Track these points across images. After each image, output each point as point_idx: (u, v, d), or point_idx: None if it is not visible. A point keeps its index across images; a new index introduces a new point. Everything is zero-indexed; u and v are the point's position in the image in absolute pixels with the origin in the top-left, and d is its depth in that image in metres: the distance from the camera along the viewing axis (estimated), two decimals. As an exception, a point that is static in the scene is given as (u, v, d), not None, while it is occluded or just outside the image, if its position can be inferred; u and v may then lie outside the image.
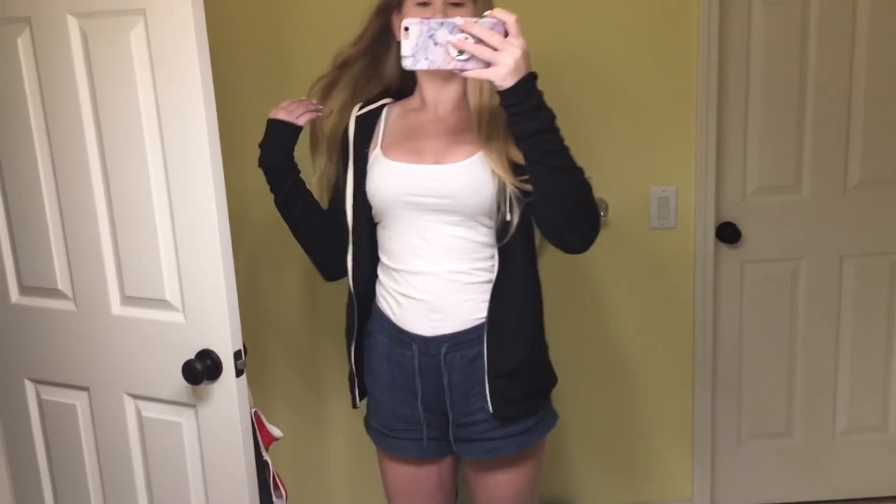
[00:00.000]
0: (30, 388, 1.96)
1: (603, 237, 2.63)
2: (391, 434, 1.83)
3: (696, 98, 2.56)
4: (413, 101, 1.81)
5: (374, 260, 1.81)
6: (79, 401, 1.88)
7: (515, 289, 1.71)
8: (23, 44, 1.74)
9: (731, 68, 2.59)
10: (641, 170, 2.60)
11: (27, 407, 1.97)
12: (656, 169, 2.60)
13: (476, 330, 1.72)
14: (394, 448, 1.85)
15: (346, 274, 1.83)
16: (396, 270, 1.75)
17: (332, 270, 1.91)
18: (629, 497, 2.79)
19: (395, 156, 1.73)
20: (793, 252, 2.75)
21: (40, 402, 1.95)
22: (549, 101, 1.48)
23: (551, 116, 1.49)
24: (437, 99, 1.76)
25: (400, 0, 1.72)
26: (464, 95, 1.73)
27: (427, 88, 1.76)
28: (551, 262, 2.59)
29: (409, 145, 1.73)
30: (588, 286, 2.64)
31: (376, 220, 1.78)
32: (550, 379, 1.87)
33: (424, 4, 1.66)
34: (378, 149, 1.76)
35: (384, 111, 1.81)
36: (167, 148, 1.61)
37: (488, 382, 1.70)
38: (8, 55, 1.76)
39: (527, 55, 1.43)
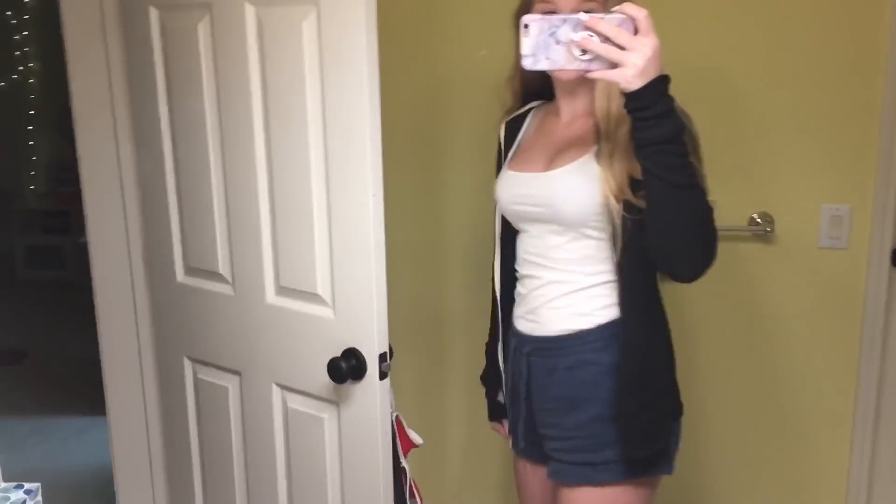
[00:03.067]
0: (188, 366, 1.93)
1: (766, 253, 2.40)
2: (512, 433, 1.72)
3: (881, 111, 2.24)
4: (554, 105, 1.64)
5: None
6: (231, 384, 1.82)
7: (640, 300, 1.51)
8: (203, 30, 1.69)
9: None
10: (813, 184, 2.30)
11: (184, 384, 1.94)
12: (830, 185, 2.30)
13: (559, 340, 1.55)
14: (514, 445, 1.73)
15: None
16: (517, 272, 1.64)
17: None
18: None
19: (514, 164, 1.61)
20: (976, 282, 2.39)
21: (196, 380, 1.91)
22: (715, 108, 1.25)
23: (679, 126, 1.27)
24: (567, 107, 1.58)
25: (530, 2, 1.51)
26: (592, 103, 1.53)
27: (559, 95, 1.60)
28: (707, 276, 2.37)
29: (532, 153, 1.60)
30: (746, 305, 2.39)
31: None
32: (662, 421, 1.56)
33: (551, 13, 1.40)
34: (510, 155, 1.65)
35: (529, 115, 1.67)
36: (329, 143, 1.51)
37: (611, 398, 1.51)
38: (189, 41, 1.71)
39: (658, 55, 1.22)
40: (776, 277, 2.37)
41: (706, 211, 1.34)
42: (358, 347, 1.52)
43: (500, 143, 1.70)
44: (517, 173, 1.59)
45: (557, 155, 1.53)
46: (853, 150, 2.28)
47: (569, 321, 1.54)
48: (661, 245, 1.37)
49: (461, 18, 2.30)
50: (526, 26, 1.24)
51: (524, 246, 1.61)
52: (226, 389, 1.83)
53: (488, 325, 1.80)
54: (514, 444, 1.73)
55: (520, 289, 1.63)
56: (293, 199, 1.59)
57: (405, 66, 2.31)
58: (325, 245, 1.56)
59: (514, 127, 1.68)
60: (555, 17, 1.24)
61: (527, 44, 1.25)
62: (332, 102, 1.49)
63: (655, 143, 1.27)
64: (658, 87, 1.24)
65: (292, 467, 1.72)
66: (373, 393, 1.52)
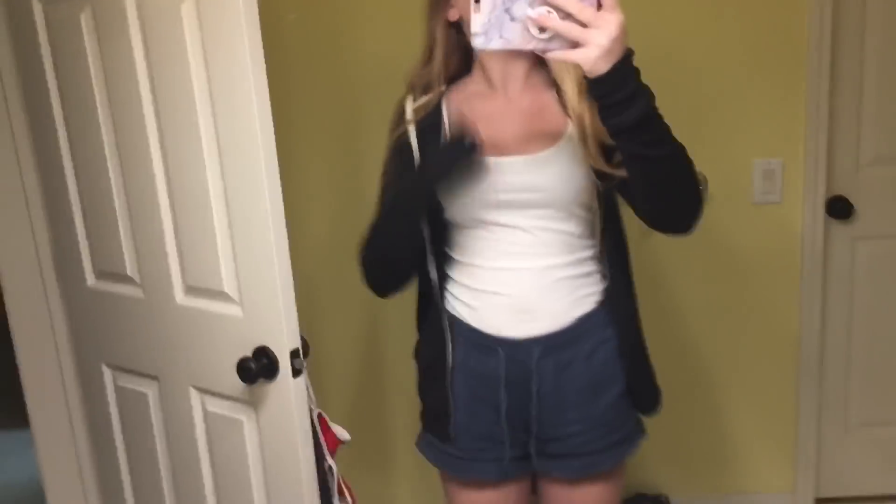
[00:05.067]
0: (107, 373, 1.80)
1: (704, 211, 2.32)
2: (468, 457, 1.50)
3: (807, 63, 2.18)
4: (474, 84, 1.45)
5: (441, 264, 1.50)
6: (150, 389, 1.70)
7: (625, 270, 1.48)
8: (86, 21, 1.56)
9: (845, 28, 2.19)
10: (744, 140, 2.24)
11: (105, 392, 1.82)
12: (760, 139, 2.25)
13: (573, 330, 1.42)
14: (472, 472, 1.51)
15: (401, 288, 1.51)
16: (478, 266, 1.44)
17: (394, 284, 1.52)
18: (728, 487, 2.47)
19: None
20: (911, 227, 2.35)
21: (116, 388, 1.79)
22: (644, 69, 1.15)
23: (651, 99, 1.16)
24: (506, 79, 1.41)
25: None
26: (533, 68, 1.41)
27: (492, 68, 1.41)
28: (645, 239, 2.29)
29: (486, 137, 1.37)
30: (686, 265, 2.32)
31: (450, 221, 1.45)
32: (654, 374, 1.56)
33: None
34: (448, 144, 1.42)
35: (443, 101, 1.45)
36: (221, 134, 1.39)
37: (629, 371, 1.47)
38: (73, 33, 1.58)
39: (624, 33, 1.08)
40: (713, 237, 2.30)
41: (691, 165, 1.28)
42: (268, 345, 1.41)
43: (407, 139, 1.45)
44: (489, 159, 1.38)
45: (532, 135, 1.38)
46: (781, 104, 2.22)
47: (576, 307, 1.43)
48: (658, 209, 1.32)
49: (369, 5, 2.17)
50: (477, 1, 1.08)
51: (498, 238, 1.41)
52: (145, 395, 1.71)
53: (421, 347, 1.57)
54: (480, 473, 1.51)
55: (494, 288, 1.43)
56: (191, 194, 1.47)
57: (314, 57, 2.18)
58: (227, 240, 1.44)
59: (428, 116, 1.44)
60: None
61: (478, 21, 1.08)
62: (219, 92, 1.37)
63: (633, 127, 1.15)
64: (625, 67, 1.11)
65: (217, 471, 1.61)
66: (287, 392, 1.41)
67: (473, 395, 1.47)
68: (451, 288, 1.49)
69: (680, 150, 1.25)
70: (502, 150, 1.38)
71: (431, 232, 1.46)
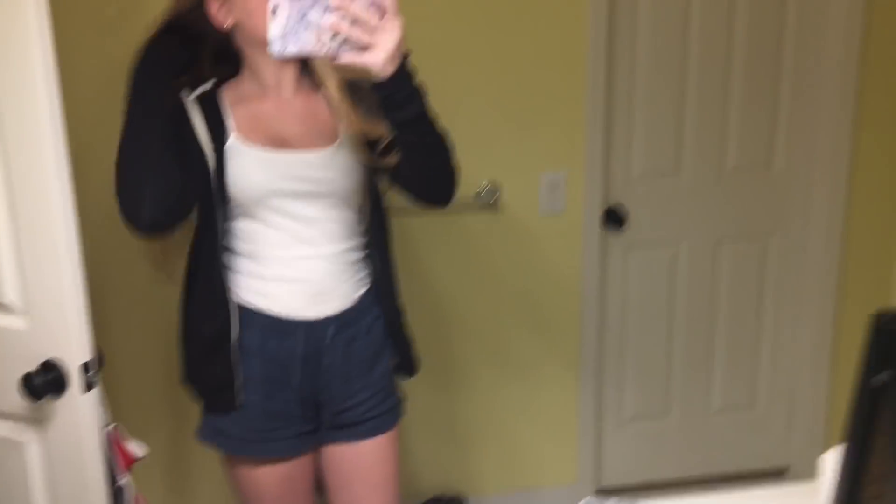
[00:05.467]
0: None
1: (493, 222, 2.44)
2: (261, 437, 1.55)
3: (586, 83, 2.35)
4: (246, 86, 1.51)
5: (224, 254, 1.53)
6: None
7: (389, 253, 1.65)
8: None
9: (619, 55, 2.41)
10: (532, 154, 2.38)
11: None
12: (547, 153, 2.39)
13: (354, 310, 1.57)
14: (266, 452, 1.56)
15: (171, 210, 1.42)
16: (269, 255, 1.51)
17: (155, 211, 1.39)
18: (514, 483, 2.59)
19: (259, 145, 1.46)
20: (673, 236, 2.61)
21: None
22: (436, 87, 1.33)
23: (424, 95, 1.34)
24: (279, 82, 1.49)
25: None
26: (301, 72, 1.51)
27: (265, 71, 1.48)
28: (440, 244, 2.36)
29: (267, 133, 1.47)
30: (476, 270, 2.42)
31: (235, 211, 1.50)
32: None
33: None
34: (233, 137, 1.46)
35: (219, 95, 1.50)
36: (3, 126, 1.27)
37: (394, 342, 1.66)
38: None
39: (403, 37, 1.24)
40: (503, 245, 2.42)
41: (452, 146, 1.46)
42: (57, 358, 1.31)
43: (190, 124, 1.46)
44: (276, 153, 1.46)
45: (310, 133, 1.49)
46: (565, 120, 2.38)
47: (357, 287, 1.58)
48: (425, 187, 1.50)
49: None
50: (274, 10, 1.17)
51: (289, 227, 1.49)
52: None
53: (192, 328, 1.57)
54: (274, 452, 1.56)
55: (289, 274, 1.51)
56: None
57: (96, 36, 2.04)
58: (8, 245, 1.32)
59: (208, 106, 1.48)
60: None
61: (275, 28, 1.17)
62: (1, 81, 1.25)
63: (412, 120, 1.33)
64: (405, 71, 1.26)
65: (-7, 501, 1.47)
66: (78, 408, 1.31)
67: (268, 377, 1.54)
68: (238, 277, 1.53)
69: (445, 136, 1.43)
70: (286, 146, 1.47)
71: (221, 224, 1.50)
